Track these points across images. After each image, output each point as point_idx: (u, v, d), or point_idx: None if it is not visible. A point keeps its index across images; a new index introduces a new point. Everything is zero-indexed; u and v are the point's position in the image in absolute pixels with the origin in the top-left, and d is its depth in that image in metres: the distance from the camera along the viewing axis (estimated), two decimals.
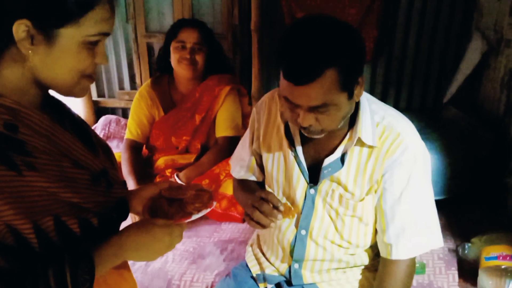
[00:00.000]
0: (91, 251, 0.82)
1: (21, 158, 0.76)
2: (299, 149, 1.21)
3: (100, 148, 0.96)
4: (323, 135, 1.11)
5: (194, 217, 0.96)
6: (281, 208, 1.11)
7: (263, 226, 1.11)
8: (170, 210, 0.97)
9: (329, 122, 1.06)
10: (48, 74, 0.80)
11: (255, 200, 1.12)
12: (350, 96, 1.05)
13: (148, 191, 1.04)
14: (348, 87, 1.03)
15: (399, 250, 1.17)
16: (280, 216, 1.10)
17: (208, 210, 0.98)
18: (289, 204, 1.26)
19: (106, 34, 0.83)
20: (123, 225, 0.93)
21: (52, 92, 0.89)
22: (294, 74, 0.99)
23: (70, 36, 0.78)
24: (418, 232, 1.17)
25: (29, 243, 0.77)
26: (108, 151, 1.00)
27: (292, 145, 1.22)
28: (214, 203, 1.00)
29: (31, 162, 0.77)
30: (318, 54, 0.96)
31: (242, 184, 1.44)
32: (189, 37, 2.07)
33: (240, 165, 1.43)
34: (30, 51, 0.77)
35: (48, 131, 0.82)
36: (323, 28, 0.99)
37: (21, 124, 0.78)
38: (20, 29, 0.75)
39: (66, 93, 0.85)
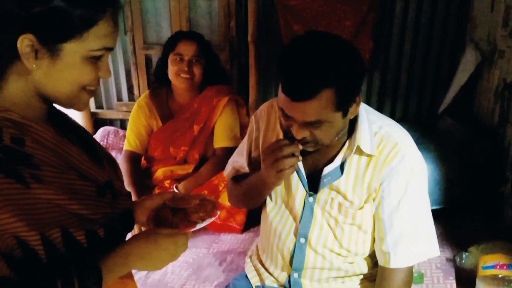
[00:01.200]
0: (98, 261, 0.83)
1: (29, 171, 0.77)
2: None
3: (105, 160, 0.98)
4: (318, 147, 1.13)
5: (199, 226, 0.97)
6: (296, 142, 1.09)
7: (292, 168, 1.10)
8: (174, 219, 0.98)
9: (322, 136, 1.08)
10: (51, 87, 0.82)
11: (269, 149, 1.11)
12: (345, 114, 1.08)
13: (152, 202, 1.05)
14: (344, 107, 1.05)
15: (397, 259, 1.18)
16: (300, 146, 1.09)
17: (213, 219, 0.99)
18: (277, 205, 1.28)
19: (109, 49, 0.84)
20: (128, 236, 0.95)
21: (56, 106, 0.91)
22: (291, 90, 1.01)
23: (73, 51, 0.79)
24: (416, 240, 1.18)
25: (37, 255, 0.78)
26: (113, 163, 1.02)
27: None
28: (218, 212, 1.02)
29: (38, 175, 0.78)
30: (317, 73, 0.98)
31: (239, 179, 1.40)
32: (187, 49, 2.10)
33: (233, 166, 1.42)
34: (34, 65, 0.79)
35: (54, 144, 0.83)
36: (324, 47, 1.01)
37: (27, 138, 0.79)
38: (24, 43, 0.76)
39: (67, 106, 0.86)
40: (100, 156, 0.96)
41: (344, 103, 1.04)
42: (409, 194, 1.16)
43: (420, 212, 1.19)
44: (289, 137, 1.11)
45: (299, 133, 1.06)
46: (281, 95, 1.05)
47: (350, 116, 1.11)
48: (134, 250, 0.86)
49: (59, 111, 0.95)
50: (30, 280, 0.77)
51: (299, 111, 1.02)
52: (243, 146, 1.40)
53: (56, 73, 0.80)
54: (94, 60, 0.83)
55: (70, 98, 0.84)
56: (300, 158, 1.11)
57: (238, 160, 1.41)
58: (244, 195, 1.37)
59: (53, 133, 0.85)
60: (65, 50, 0.79)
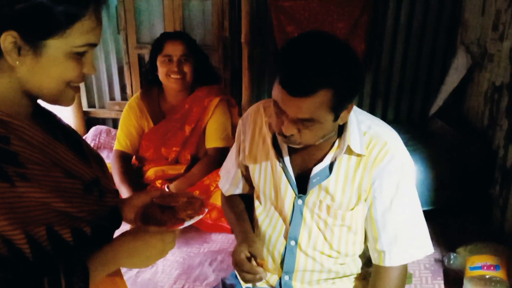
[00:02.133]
0: (85, 259, 0.82)
1: (14, 169, 0.76)
2: (287, 159, 1.23)
3: (92, 157, 0.97)
4: (300, 146, 1.13)
5: (187, 223, 0.97)
6: (260, 270, 1.22)
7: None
8: (163, 217, 0.99)
9: (309, 136, 1.09)
10: (35, 84, 0.81)
11: (235, 264, 1.26)
12: (336, 118, 1.08)
13: (140, 199, 1.05)
14: (337, 110, 1.06)
15: (392, 257, 1.19)
16: (263, 274, 1.23)
17: (200, 216, 1.00)
18: (267, 207, 1.33)
19: (93, 45, 0.84)
20: (117, 233, 0.94)
21: (42, 103, 0.90)
22: (290, 84, 1.01)
23: (57, 47, 0.79)
24: (410, 238, 1.19)
25: (23, 253, 0.77)
26: (100, 160, 1.01)
27: (279, 155, 1.24)
28: (206, 210, 1.02)
29: (23, 173, 0.77)
30: (319, 72, 0.98)
31: (229, 203, 1.46)
32: (175, 49, 2.10)
33: (226, 178, 1.45)
34: (17, 62, 0.78)
35: (40, 142, 0.83)
36: (330, 48, 1.01)
37: (13, 136, 0.79)
38: (7, 40, 0.76)
39: (53, 102, 0.86)
40: (87, 154, 0.96)
41: (339, 106, 1.05)
42: (401, 193, 1.17)
43: (413, 210, 1.20)
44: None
45: (288, 129, 1.07)
46: (277, 88, 1.05)
47: (340, 121, 1.12)
48: (122, 247, 0.87)
49: (45, 109, 0.94)
50: (17, 278, 0.77)
51: (294, 107, 1.03)
52: (233, 150, 1.42)
53: (40, 69, 0.80)
54: (78, 56, 0.83)
55: (54, 94, 0.84)
56: (261, 280, 1.26)
57: (229, 170, 1.43)
58: (226, 217, 1.50)
59: (39, 130, 0.85)
60: (48, 46, 0.79)
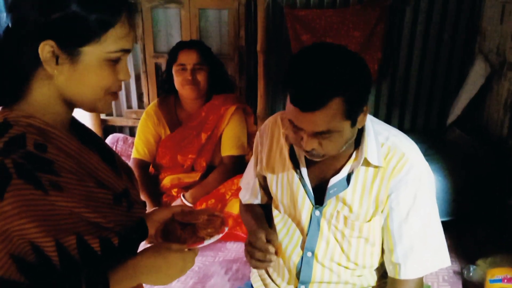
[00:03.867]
0: (107, 272, 0.83)
1: (48, 177, 0.78)
2: (304, 170, 1.22)
3: (122, 169, 0.99)
4: (324, 158, 1.13)
5: (206, 242, 0.98)
6: (272, 250, 1.17)
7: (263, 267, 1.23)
8: (183, 234, 0.99)
9: (331, 147, 1.08)
10: (73, 91, 0.84)
11: (246, 244, 1.21)
12: (353, 124, 1.08)
13: (161, 214, 1.07)
14: (353, 116, 1.05)
15: (408, 270, 1.18)
16: (274, 257, 1.18)
17: (220, 235, 1.01)
18: (285, 217, 1.31)
19: (127, 51, 0.86)
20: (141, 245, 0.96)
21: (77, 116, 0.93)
22: (300, 101, 1.01)
23: (92, 54, 0.81)
24: (426, 251, 1.18)
25: (51, 261, 0.79)
26: (130, 172, 1.03)
27: (296, 167, 1.24)
28: (226, 229, 1.03)
29: (57, 182, 0.79)
30: (326, 83, 0.98)
31: (247, 208, 1.46)
32: (189, 58, 2.13)
33: (245, 188, 1.46)
34: (55, 71, 0.81)
35: (75, 152, 0.85)
36: (331, 57, 1.02)
37: (50, 144, 0.81)
38: (45, 50, 0.79)
39: (90, 110, 0.89)
40: (118, 165, 0.98)
41: (353, 112, 1.04)
42: (418, 205, 1.16)
43: (430, 222, 1.19)
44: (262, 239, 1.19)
45: (309, 144, 1.06)
46: (289, 106, 1.05)
47: (359, 125, 1.11)
48: (143, 264, 0.87)
49: (79, 121, 0.97)
50: (39, 286, 0.78)
51: (308, 122, 1.03)
52: (252, 160, 1.42)
53: (77, 77, 0.82)
54: (113, 63, 0.85)
55: (92, 101, 0.86)
56: (270, 265, 1.21)
57: (249, 181, 1.44)
58: (245, 224, 1.48)
59: (75, 140, 0.87)
60: (84, 53, 0.81)
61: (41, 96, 0.84)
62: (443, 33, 2.82)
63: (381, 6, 2.74)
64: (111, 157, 0.97)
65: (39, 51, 0.78)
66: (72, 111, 0.90)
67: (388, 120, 2.97)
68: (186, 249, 0.92)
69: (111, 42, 0.82)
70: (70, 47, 0.80)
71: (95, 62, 0.82)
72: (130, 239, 0.91)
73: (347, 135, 1.08)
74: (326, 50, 1.04)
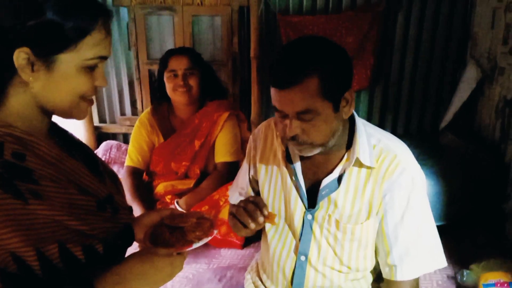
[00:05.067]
0: (93, 279, 0.82)
1: (27, 186, 0.77)
2: (299, 172, 1.23)
3: (106, 174, 0.98)
4: (314, 151, 1.13)
5: (195, 245, 0.96)
6: (265, 212, 1.15)
7: (243, 226, 1.15)
8: (171, 238, 0.97)
9: (315, 132, 1.09)
10: (49, 98, 0.83)
11: (242, 200, 1.18)
12: (336, 109, 1.09)
13: (150, 218, 1.05)
14: (332, 97, 1.07)
15: (404, 271, 1.18)
16: (261, 219, 1.14)
17: (209, 238, 0.99)
18: (274, 213, 1.27)
19: (103, 57, 0.85)
20: (129, 250, 0.95)
21: (56, 120, 0.92)
22: (277, 79, 1.06)
23: (68, 61, 0.81)
24: (422, 252, 1.18)
25: (33, 271, 0.78)
26: (114, 177, 1.03)
27: (291, 169, 1.24)
28: (215, 232, 1.01)
29: (37, 190, 0.78)
30: (300, 61, 1.04)
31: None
32: (179, 64, 2.14)
33: (239, 192, 1.45)
34: (31, 78, 0.80)
35: (55, 159, 0.84)
36: (310, 42, 1.09)
37: (29, 153, 0.80)
38: (20, 57, 0.78)
39: (66, 116, 0.88)
40: (102, 171, 0.97)
41: (331, 92, 1.06)
42: (412, 207, 1.16)
43: (425, 223, 1.19)
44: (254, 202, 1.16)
45: (292, 129, 1.08)
46: (271, 92, 1.09)
47: (344, 115, 1.12)
48: (129, 269, 0.86)
49: (60, 126, 0.96)
50: None
51: (287, 101, 1.06)
52: (244, 165, 1.42)
53: (53, 84, 0.82)
54: (90, 70, 0.84)
55: (68, 107, 0.86)
56: (252, 226, 1.14)
57: (243, 186, 1.43)
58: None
59: (55, 147, 0.87)
60: (60, 61, 0.81)
61: (18, 103, 0.83)
62: (435, 38, 2.84)
63: (374, 11, 2.75)
64: (94, 163, 0.96)
65: (14, 58, 0.78)
66: (50, 117, 0.89)
67: (381, 125, 2.99)
68: (174, 253, 0.91)
69: (88, 49, 0.82)
70: (46, 54, 0.79)
71: (72, 69, 0.82)
72: (115, 246, 0.90)
73: (331, 121, 1.09)
74: (306, 38, 1.11)
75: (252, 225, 1.13)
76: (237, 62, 2.97)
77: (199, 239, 0.97)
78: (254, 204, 1.15)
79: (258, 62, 2.82)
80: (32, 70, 0.80)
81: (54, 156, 0.84)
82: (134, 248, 0.98)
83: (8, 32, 0.77)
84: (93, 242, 0.85)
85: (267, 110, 3.02)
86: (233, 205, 1.21)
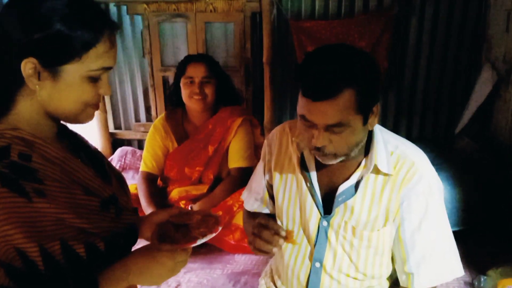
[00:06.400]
0: (96, 274, 0.85)
1: (32, 185, 0.81)
2: (314, 179, 1.22)
3: (114, 176, 1.01)
4: (336, 161, 1.12)
5: (199, 241, 0.97)
6: (283, 233, 1.13)
7: (266, 253, 1.13)
8: (176, 235, 1.00)
9: (342, 144, 1.07)
10: (55, 106, 0.87)
11: (254, 226, 1.14)
12: (365, 121, 1.08)
13: (158, 217, 1.08)
14: (364, 111, 1.05)
15: (421, 279, 1.17)
16: (281, 241, 1.12)
17: (213, 234, 1.00)
18: (290, 229, 1.26)
19: (108, 68, 0.88)
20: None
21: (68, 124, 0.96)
22: (313, 90, 1.01)
23: (73, 72, 0.84)
24: (439, 260, 1.17)
25: (36, 266, 0.81)
26: (121, 179, 1.05)
27: (306, 175, 1.23)
28: (220, 228, 1.02)
29: (41, 189, 0.81)
30: (338, 73, 0.99)
31: (252, 217, 1.44)
32: (197, 71, 2.15)
33: (254, 198, 1.44)
34: (37, 86, 0.84)
35: (60, 160, 0.88)
36: (344, 51, 1.04)
37: (35, 154, 0.84)
38: (27, 66, 0.81)
39: (72, 121, 0.92)
40: (108, 172, 1.00)
41: (364, 106, 1.04)
42: (429, 214, 1.15)
43: (442, 231, 1.18)
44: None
45: (320, 140, 1.06)
46: (301, 100, 1.05)
47: (370, 126, 1.11)
48: (133, 265, 0.89)
49: (70, 130, 1.00)
50: None
51: (320, 114, 1.02)
52: (259, 171, 1.41)
53: (58, 93, 0.85)
54: (94, 80, 0.87)
55: (74, 114, 0.89)
56: (275, 251, 1.11)
57: (258, 191, 1.42)
58: (247, 231, 1.41)
59: (61, 149, 0.90)
60: (66, 71, 0.84)
61: (25, 109, 0.87)
62: (449, 42, 2.81)
63: (387, 15, 2.75)
64: (101, 164, 0.99)
65: (22, 67, 0.81)
66: (57, 122, 0.92)
67: (395, 129, 2.96)
68: (178, 249, 0.93)
69: (92, 60, 0.84)
70: (52, 65, 0.83)
71: (76, 79, 0.85)
72: (118, 245, 0.92)
73: (358, 134, 1.08)
74: (339, 46, 1.07)
75: (275, 250, 1.13)
76: (250, 67, 2.99)
77: (204, 235, 0.99)
78: (267, 228, 1.12)
79: (271, 68, 2.83)
80: (39, 79, 0.83)
81: (59, 158, 0.87)
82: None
83: (16, 44, 0.81)
84: (95, 240, 0.87)
85: (279, 115, 3.02)
86: (249, 234, 1.15)
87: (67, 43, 0.82)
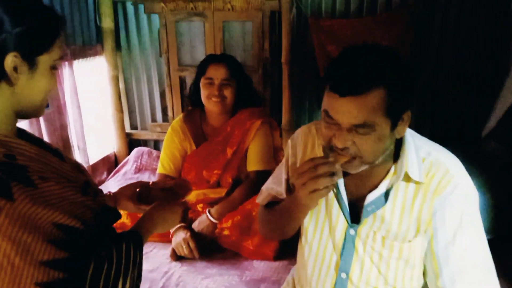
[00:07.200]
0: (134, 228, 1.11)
1: (32, 175, 0.87)
2: (341, 185, 1.16)
3: (75, 165, 1.09)
4: (361, 168, 1.05)
5: (186, 197, 1.40)
6: (331, 159, 1.00)
7: (327, 189, 0.99)
8: (165, 195, 1.35)
9: (366, 148, 1.00)
10: (27, 98, 0.93)
11: (302, 169, 1.00)
12: (393, 127, 1.01)
13: (129, 189, 1.34)
14: (393, 115, 0.99)
15: None
16: (337, 165, 1.00)
17: (189, 192, 1.42)
18: (316, 238, 1.24)
19: (61, 58, 0.98)
20: None
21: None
22: (339, 83, 0.96)
23: (45, 62, 0.93)
24: (475, 275, 1.09)
25: (77, 229, 0.90)
26: (80, 166, 1.12)
27: None
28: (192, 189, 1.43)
29: (42, 176, 0.88)
30: (370, 70, 0.94)
31: (272, 206, 1.32)
32: (217, 73, 2.10)
33: (273, 197, 1.35)
34: (17, 80, 0.89)
35: (37, 155, 0.93)
36: (377, 50, 0.99)
37: (15, 153, 0.88)
38: (10, 60, 0.87)
39: (35, 115, 0.99)
40: (72, 161, 1.08)
41: (394, 109, 0.97)
42: (465, 226, 1.08)
43: (478, 243, 1.11)
44: (327, 155, 1.03)
45: (342, 140, 0.99)
46: (327, 95, 1.00)
47: (397, 134, 1.04)
48: (157, 217, 1.21)
49: (20, 128, 1.03)
50: (87, 253, 0.90)
51: (345, 111, 0.96)
52: (280, 172, 1.34)
53: (33, 83, 0.92)
54: (54, 69, 0.96)
55: (41, 106, 0.97)
56: (336, 179, 1.01)
57: (274, 187, 1.35)
58: (276, 221, 1.28)
59: (34, 147, 0.94)
60: (40, 62, 0.92)
61: None
62: (474, 41, 2.71)
63: (409, 14, 2.66)
64: (61, 155, 1.06)
65: (5, 62, 0.86)
66: (17, 121, 0.98)
67: (419, 132, 2.85)
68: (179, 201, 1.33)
69: (57, 50, 0.94)
70: (31, 57, 0.90)
71: (47, 68, 0.94)
72: (107, 219, 1.07)
73: (385, 140, 1.01)
74: (372, 45, 1.00)
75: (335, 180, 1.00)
76: (268, 67, 2.93)
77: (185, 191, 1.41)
78: (323, 163, 0.99)
79: (290, 68, 2.77)
80: (16, 72, 0.88)
81: (34, 153, 0.93)
82: None
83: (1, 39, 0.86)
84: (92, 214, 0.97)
85: (298, 116, 2.96)
86: (297, 181, 1.00)
87: (42, 35, 0.91)
